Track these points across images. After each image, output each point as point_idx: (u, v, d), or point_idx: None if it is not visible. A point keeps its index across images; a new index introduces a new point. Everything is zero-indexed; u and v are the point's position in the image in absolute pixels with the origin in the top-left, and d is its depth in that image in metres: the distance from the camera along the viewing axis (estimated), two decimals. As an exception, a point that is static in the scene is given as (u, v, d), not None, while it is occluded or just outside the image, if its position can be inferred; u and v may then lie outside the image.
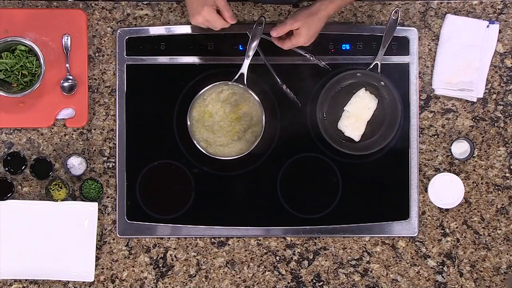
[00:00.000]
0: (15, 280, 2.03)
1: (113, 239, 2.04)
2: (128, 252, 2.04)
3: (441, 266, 2.05)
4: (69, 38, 2.01)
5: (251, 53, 1.95)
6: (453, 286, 2.06)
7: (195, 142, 1.96)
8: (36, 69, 1.97)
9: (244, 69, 1.96)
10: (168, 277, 2.05)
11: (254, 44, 1.95)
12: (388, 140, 2.01)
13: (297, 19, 1.85)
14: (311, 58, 2.02)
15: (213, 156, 1.96)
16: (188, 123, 1.96)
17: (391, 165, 2.05)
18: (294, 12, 1.89)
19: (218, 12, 1.80)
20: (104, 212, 2.04)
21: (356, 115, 2.03)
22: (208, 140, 1.99)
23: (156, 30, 2.04)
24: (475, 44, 2.04)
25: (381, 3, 2.06)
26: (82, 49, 2.02)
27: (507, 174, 2.06)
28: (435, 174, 2.04)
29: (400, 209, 2.05)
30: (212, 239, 2.05)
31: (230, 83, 1.97)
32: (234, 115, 2.00)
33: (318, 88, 2.03)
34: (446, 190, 2.03)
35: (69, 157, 2.01)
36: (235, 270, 2.05)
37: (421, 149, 2.06)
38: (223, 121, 2.00)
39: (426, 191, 2.04)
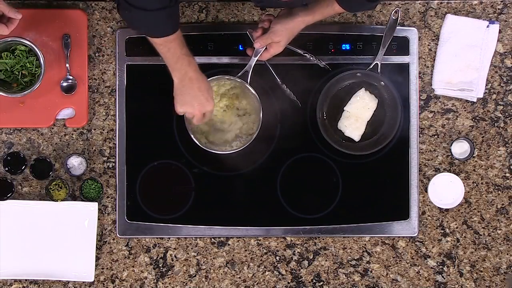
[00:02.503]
0: (15, 280, 2.03)
1: (113, 239, 2.04)
2: (128, 252, 2.04)
3: (441, 266, 2.05)
4: (69, 38, 2.01)
5: (260, 51, 1.93)
6: (453, 286, 2.06)
7: (193, 138, 1.95)
8: (36, 69, 1.97)
9: (249, 67, 1.95)
10: (168, 277, 2.05)
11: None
12: (388, 140, 2.01)
13: (279, 34, 1.87)
14: (311, 58, 2.02)
15: (211, 151, 1.95)
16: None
17: (391, 165, 2.05)
18: (276, 22, 1.88)
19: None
20: (104, 212, 2.04)
21: (356, 115, 2.03)
22: (207, 137, 1.99)
23: (156, 30, 2.04)
24: (475, 44, 2.04)
25: (381, 3, 2.06)
26: (82, 49, 2.02)
27: (507, 174, 2.06)
28: (435, 174, 2.04)
29: (400, 209, 2.04)
30: (212, 239, 2.05)
31: (233, 77, 1.95)
32: (234, 112, 2.00)
33: (318, 88, 2.03)
34: (446, 190, 2.02)
35: (69, 157, 2.01)
36: (235, 270, 2.05)
37: (421, 149, 2.06)
38: (222, 117, 2.00)
39: (426, 191, 2.03)
